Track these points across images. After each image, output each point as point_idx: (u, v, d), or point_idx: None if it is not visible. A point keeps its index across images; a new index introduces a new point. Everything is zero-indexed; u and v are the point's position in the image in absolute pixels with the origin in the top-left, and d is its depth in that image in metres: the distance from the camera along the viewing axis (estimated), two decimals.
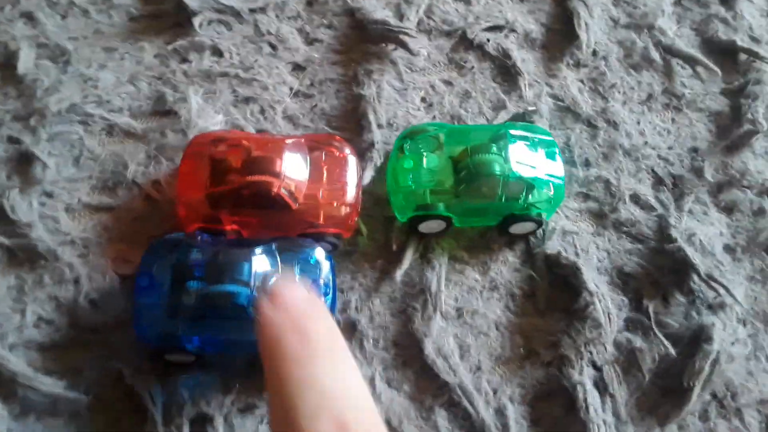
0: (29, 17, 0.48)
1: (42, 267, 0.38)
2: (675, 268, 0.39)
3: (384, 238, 0.41)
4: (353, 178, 0.40)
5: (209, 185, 0.39)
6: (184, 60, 0.47)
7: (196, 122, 0.44)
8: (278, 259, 0.36)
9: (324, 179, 0.40)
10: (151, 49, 0.47)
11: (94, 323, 0.37)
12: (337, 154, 0.41)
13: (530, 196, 0.39)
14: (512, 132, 0.40)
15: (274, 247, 0.36)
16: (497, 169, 0.38)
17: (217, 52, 0.48)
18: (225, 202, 0.38)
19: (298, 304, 0.30)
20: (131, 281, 0.38)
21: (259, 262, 0.35)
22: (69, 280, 0.38)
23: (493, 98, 0.47)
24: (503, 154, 0.39)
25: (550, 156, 0.40)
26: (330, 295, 0.36)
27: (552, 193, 0.39)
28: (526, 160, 0.39)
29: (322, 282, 0.36)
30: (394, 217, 0.40)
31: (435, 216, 0.39)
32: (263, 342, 0.28)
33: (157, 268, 0.35)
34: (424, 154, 0.40)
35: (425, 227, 0.40)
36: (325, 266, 0.36)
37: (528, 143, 0.40)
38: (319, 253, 0.37)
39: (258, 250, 0.35)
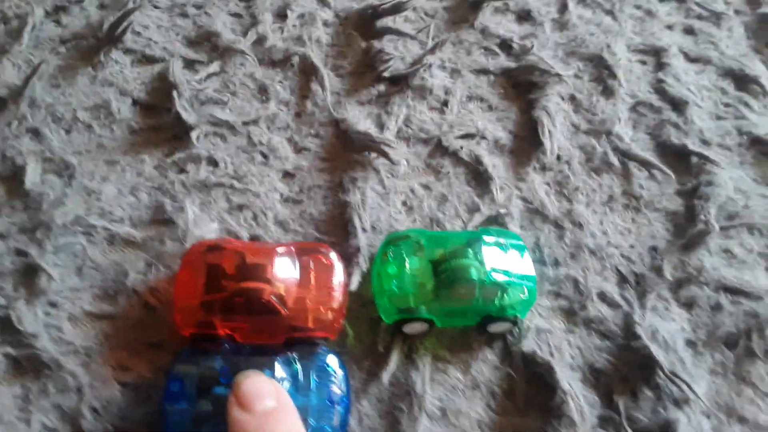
0: (35, 133, 0.51)
1: (46, 376, 0.40)
2: (642, 364, 0.42)
3: (370, 340, 0.43)
4: (340, 283, 0.43)
5: (204, 292, 0.41)
6: (182, 171, 0.50)
7: (193, 231, 0.47)
8: (298, 366, 0.39)
9: (312, 285, 0.43)
10: (151, 161, 0.51)
11: (97, 431, 0.39)
12: (324, 260, 0.44)
13: (505, 298, 0.42)
14: (486, 237, 0.44)
15: (292, 356, 0.39)
16: (474, 273, 0.41)
17: (213, 163, 0.51)
18: (218, 308, 0.41)
19: (265, 405, 0.33)
20: (131, 389, 0.41)
21: (280, 369, 0.38)
22: (72, 389, 0.40)
23: (468, 201, 0.51)
24: (479, 258, 0.42)
25: (522, 259, 0.44)
26: (345, 403, 0.39)
27: (525, 294, 0.43)
28: (500, 264, 0.43)
29: (337, 389, 0.39)
30: (379, 318, 0.43)
31: (418, 318, 0.42)
32: None
33: (185, 376, 0.38)
34: (407, 259, 0.43)
35: (409, 329, 0.43)
36: (340, 373, 0.39)
37: (502, 247, 0.44)
38: (333, 360, 0.40)
39: (278, 358, 0.38)
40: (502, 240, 0.44)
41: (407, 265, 0.43)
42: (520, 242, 0.45)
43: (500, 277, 0.42)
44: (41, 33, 0.57)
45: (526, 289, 0.43)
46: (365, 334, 0.44)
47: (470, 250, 0.43)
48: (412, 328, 0.43)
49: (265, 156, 0.52)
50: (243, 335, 0.42)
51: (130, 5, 0.58)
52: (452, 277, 0.41)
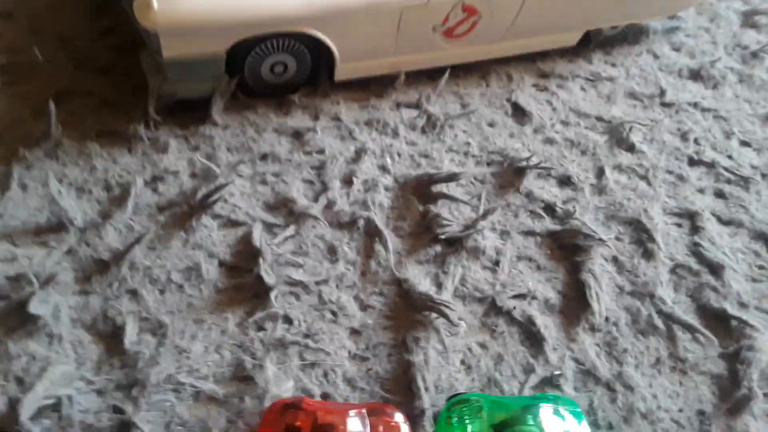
0: (133, 294, 0.57)
1: None
2: None
3: None
4: None
5: None
6: (261, 329, 0.56)
7: (270, 389, 0.51)
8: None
9: None
10: (234, 319, 0.56)
11: None
12: (392, 423, 0.48)
13: None
14: (545, 405, 0.47)
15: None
16: None
17: (288, 321, 0.57)
18: None
19: None
20: None
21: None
22: None
23: (523, 362, 0.55)
24: (538, 425, 0.45)
25: (580, 426, 0.47)
26: None
27: None
28: (558, 430, 0.45)
29: None
30: None
31: None
32: None
33: None
34: (468, 423, 0.47)
35: None
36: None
37: (560, 415, 0.47)
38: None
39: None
40: (559, 407, 0.47)
41: (469, 429, 0.46)
42: (577, 409, 0.48)
43: None
44: (140, 200, 0.65)
45: None
46: None
47: (530, 416, 0.46)
48: None
49: (334, 314, 0.58)
50: None
51: (221, 179, 0.66)
52: None
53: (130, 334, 0.54)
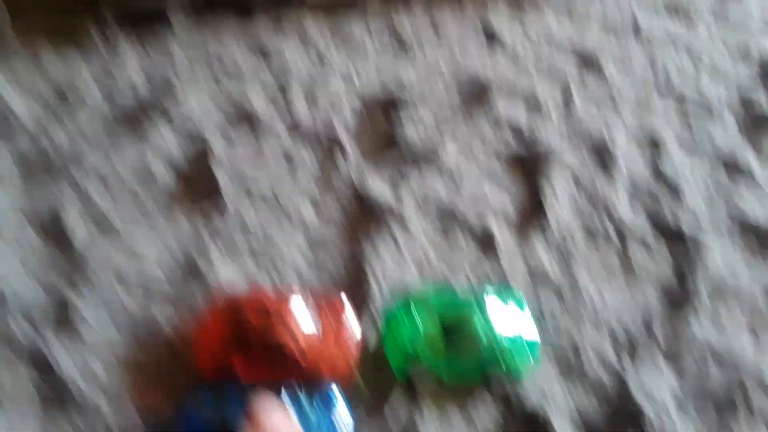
0: (84, 195, 0.57)
1: (78, 412, 0.44)
2: (633, 420, 0.45)
3: (380, 393, 0.46)
4: (354, 337, 0.47)
5: (228, 341, 0.45)
6: (215, 231, 0.55)
7: (220, 283, 0.51)
8: (303, 395, 0.42)
9: (328, 337, 0.46)
10: (187, 221, 0.56)
11: None
12: (341, 315, 0.48)
13: (509, 358, 0.45)
14: (493, 300, 0.47)
15: (299, 388, 0.43)
16: (481, 334, 0.44)
17: (243, 223, 0.56)
18: (241, 356, 0.44)
19: (273, 421, 0.36)
20: (156, 428, 0.44)
21: (286, 396, 0.42)
22: (101, 428, 0.43)
23: (477, 265, 0.55)
24: (486, 320, 0.45)
25: (526, 321, 0.47)
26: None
27: (528, 355, 0.45)
28: (506, 326, 0.46)
29: (340, 417, 0.42)
30: (391, 373, 0.46)
31: (427, 374, 0.45)
32: None
33: (197, 414, 0.41)
34: (418, 318, 0.47)
35: (418, 383, 0.45)
36: (342, 404, 0.43)
37: (507, 310, 0.47)
38: (336, 391, 0.43)
39: (285, 387, 0.42)
40: (507, 303, 0.48)
41: (418, 324, 0.46)
42: (525, 305, 0.48)
43: (505, 338, 0.45)
44: (94, 106, 0.64)
45: (529, 350, 0.45)
46: (374, 382, 0.46)
47: (478, 312, 0.46)
48: (421, 382, 0.45)
49: (290, 218, 0.57)
50: (263, 381, 0.45)
51: (178, 89, 0.65)
52: (460, 337, 0.44)
53: (80, 234, 0.54)
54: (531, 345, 0.46)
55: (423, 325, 0.46)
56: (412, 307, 0.47)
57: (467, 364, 0.45)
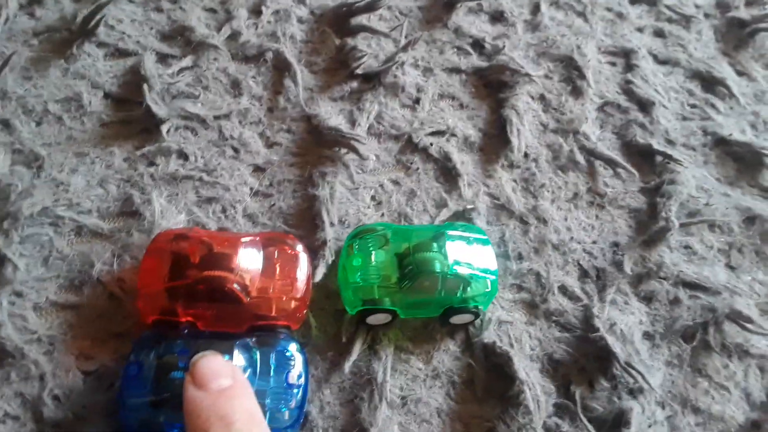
0: (5, 124, 0.51)
1: (9, 364, 0.40)
2: (599, 356, 0.43)
3: (333, 331, 0.44)
4: (304, 274, 0.44)
5: (168, 279, 0.42)
6: (151, 164, 0.51)
7: (160, 222, 0.47)
8: (256, 351, 0.39)
9: (276, 275, 0.43)
10: (121, 153, 0.51)
11: (58, 419, 0.39)
12: (290, 251, 0.44)
13: (468, 290, 0.43)
14: (451, 232, 0.45)
15: (251, 341, 0.39)
16: (437, 266, 0.42)
17: (183, 156, 0.52)
18: (181, 295, 0.41)
19: (220, 383, 0.33)
20: (94, 378, 0.41)
21: (238, 353, 0.39)
22: (35, 377, 0.40)
23: (436, 197, 0.52)
24: (443, 252, 0.43)
25: (485, 252, 0.44)
26: (303, 386, 0.39)
27: (488, 287, 0.43)
28: (464, 258, 0.43)
29: (296, 374, 0.39)
30: (343, 310, 0.44)
31: (381, 310, 0.42)
32: (187, 421, 0.31)
33: (144, 360, 0.38)
34: (372, 251, 0.44)
35: (373, 320, 0.43)
36: (299, 359, 0.40)
37: (465, 241, 0.44)
38: (293, 346, 0.40)
39: (237, 343, 0.38)
40: (465, 234, 0.45)
41: (372, 258, 0.44)
42: (484, 236, 0.46)
43: (463, 270, 0.42)
44: (15, 25, 0.57)
45: (488, 282, 0.43)
46: (329, 325, 0.44)
47: (435, 244, 0.43)
48: (376, 319, 0.43)
49: (236, 150, 0.53)
50: (205, 323, 0.42)
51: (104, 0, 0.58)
52: (416, 270, 0.42)
53: (2, 166, 0.48)
54: (491, 276, 0.43)
55: (376, 258, 0.43)
56: (366, 241, 0.44)
57: (422, 297, 0.42)
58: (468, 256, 0.44)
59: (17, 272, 0.44)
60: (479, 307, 0.43)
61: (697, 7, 0.71)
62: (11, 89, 0.53)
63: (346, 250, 0.44)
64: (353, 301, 0.43)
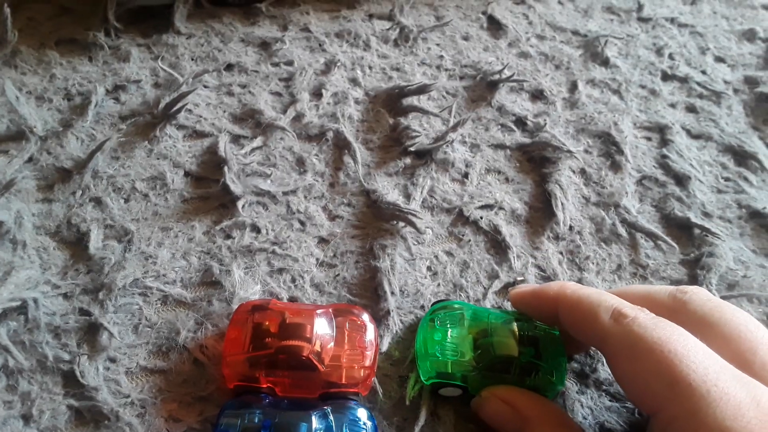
0: (98, 201, 0.57)
1: (105, 427, 0.45)
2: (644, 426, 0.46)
3: (398, 397, 0.47)
4: (371, 343, 0.47)
5: (250, 348, 0.46)
6: (229, 237, 0.56)
7: (238, 292, 0.52)
8: (332, 419, 0.43)
9: (346, 344, 0.47)
10: (201, 227, 0.56)
11: None
12: (358, 321, 0.48)
13: (537, 378, 0.45)
14: (521, 317, 0.48)
15: (327, 409, 0.43)
16: (513, 351, 0.45)
17: (256, 229, 0.56)
18: (262, 363, 0.45)
19: None
20: None
21: (315, 422, 0.42)
22: None
23: (488, 268, 0.56)
24: (516, 338, 0.45)
25: (556, 344, 0.46)
26: None
27: (555, 377, 0.45)
28: (537, 347, 0.45)
29: None
30: (407, 377, 0.47)
31: (453, 384, 0.46)
32: None
33: (230, 427, 0.42)
34: (450, 328, 0.47)
35: (444, 392, 0.46)
36: (369, 425, 0.43)
37: (536, 331, 0.47)
38: (364, 413, 0.44)
39: (314, 412, 0.42)
40: (536, 324, 0.47)
41: (449, 334, 0.47)
42: (556, 332, 0.47)
43: (535, 358, 0.45)
44: (102, 110, 0.64)
45: (555, 373, 0.45)
46: (393, 392, 0.48)
47: (510, 329, 0.46)
48: (447, 391, 0.46)
49: (302, 223, 0.58)
50: (283, 389, 0.46)
51: (184, 87, 0.64)
52: (491, 353, 0.45)
53: (95, 240, 0.54)
54: (560, 366, 0.46)
55: (453, 334, 0.46)
56: (446, 317, 0.48)
57: (495, 377, 0.45)
58: (541, 346, 0.46)
59: (112, 340, 0.48)
60: (553, 393, 0.45)
61: (726, 83, 0.75)
62: (102, 169, 0.59)
63: (428, 323, 0.48)
64: (429, 372, 0.46)
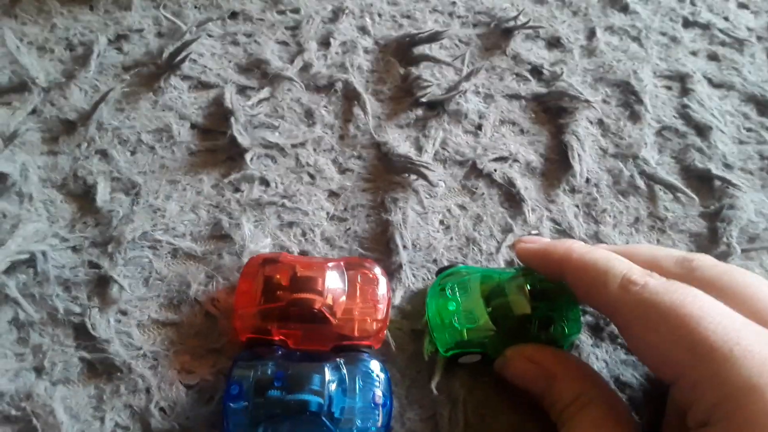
0: (104, 154, 0.56)
1: (118, 378, 0.45)
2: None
3: (411, 350, 0.47)
4: (384, 296, 0.47)
5: (261, 301, 0.45)
6: (237, 190, 0.55)
7: (249, 246, 0.51)
8: (344, 371, 0.42)
9: (358, 297, 0.46)
10: (209, 180, 0.55)
11: (165, 430, 0.43)
12: (370, 275, 0.48)
13: (553, 331, 0.44)
14: (528, 271, 0.46)
15: (340, 362, 0.43)
16: (526, 308, 0.44)
17: (265, 183, 0.55)
18: (274, 316, 0.45)
19: None
20: (195, 391, 0.45)
21: (329, 373, 0.42)
22: (142, 390, 0.44)
23: (502, 222, 0.54)
24: (526, 294, 0.44)
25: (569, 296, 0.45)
26: (387, 405, 0.42)
27: (572, 327, 0.44)
28: (550, 300, 0.45)
29: (380, 392, 0.42)
30: (419, 330, 0.47)
31: (473, 351, 0.45)
32: None
33: (243, 379, 0.42)
34: (461, 295, 0.46)
35: (464, 359, 0.46)
36: (382, 377, 0.43)
37: (547, 284, 0.45)
38: (376, 366, 0.43)
39: (327, 364, 0.42)
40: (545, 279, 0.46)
41: (462, 302, 0.46)
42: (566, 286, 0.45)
43: (549, 311, 0.44)
44: (105, 60, 0.62)
45: (572, 323, 0.44)
46: (406, 345, 0.47)
47: (520, 286, 0.45)
48: (467, 359, 0.45)
49: (312, 176, 0.56)
50: (295, 341, 0.46)
51: (188, 36, 0.62)
52: (507, 314, 0.44)
53: (102, 193, 0.53)
54: (575, 317, 0.45)
55: (466, 301, 0.46)
56: (456, 284, 0.46)
57: (514, 337, 0.44)
58: (553, 298, 0.45)
59: (122, 292, 0.48)
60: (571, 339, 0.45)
61: (749, 29, 0.72)
62: (107, 121, 0.57)
63: (438, 293, 0.47)
64: (448, 343, 0.45)
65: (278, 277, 0.46)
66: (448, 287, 0.47)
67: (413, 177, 0.56)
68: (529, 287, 0.45)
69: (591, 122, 0.62)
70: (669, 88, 0.66)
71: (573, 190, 0.57)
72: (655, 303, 0.35)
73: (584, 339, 0.48)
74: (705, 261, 0.41)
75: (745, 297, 0.37)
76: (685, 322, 0.34)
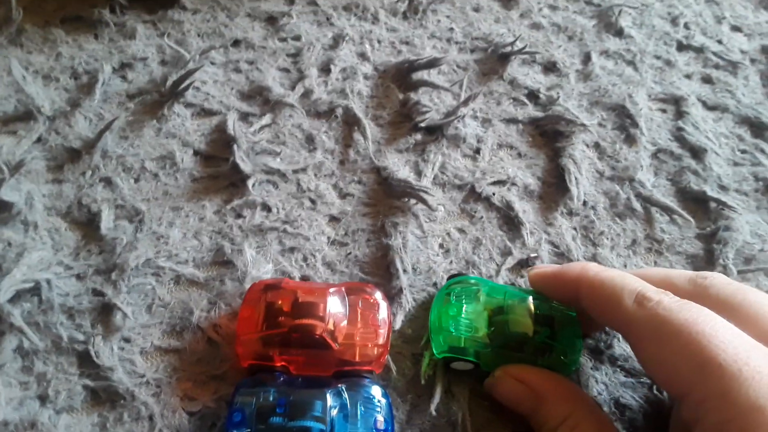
0: (108, 182, 0.56)
1: (121, 406, 0.45)
2: (664, 400, 0.46)
3: (412, 374, 0.47)
4: (385, 321, 0.47)
5: (263, 327, 0.46)
6: (239, 216, 0.55)
7: (250, 271, 0.51)
8: (346, 396, 0.42)
9: (359, 322, 0.47)
10: (211, 207, 0.56)
11: None
12: (371, 300, 0.48)
13: (549, 357, 0.44)
14: (538, 296, 0.47)
15: (341, 387, 0.43)
16: (526, 330, 0.44)
17: (266, 208, 0.56)
18: (276, 342, 0.45)
19: None
20: (197, 418, 0.45)
21: (330, 399, 0.42)
22: (144, 417, 0.44)
23: (501, 245, 0.55)
24: (531, 317, 0.45)
25: (572, 324, 0.46)
26: (389, 431, 0.42)
27: (568, 358, 0.45)
28: (552, 327, 0.45)
29: (381, 418, 0.43)
30: (421, 355, 0.47)
31: (466, 359, 0.46)
32: None
33: (246, 406, 0.42)
34: (465, 303, 0.47)
35: (456, 365, 0.46)
36: (384, 403, 0.43)
37: (553, 312, 0.46)
38: (377, 391, 0.44)
39: (328, 390, 0.42)
40: (553, 304, 0.46)
41: (464, 309, 0.46)
42: (572, 313, 0.46)
43: (550, 338, 0.44)
44: (109, 88, 0.63)
45: (569, 353, 0.44)
46: (407, 369, 0.48)
47: (526, 307, 0.45)
48: (459, 365, 0.46)
49: (313, 201, 0.57)
50: (297, 367, 0.46)
51: (191, 64, 0.63)
52: (505, 330, 0.44)
53: (107, 220, 0.54)
54: (573, 348, 0.45)
55: (468, 310, 0.46)
56: (462, 292, 0.47)
57: (508, 355, 0.45)
58: (557, 327, 0.45)
59: (125, 320, 0.49)
60: (569, 370, 0.45)
61: (742, 52, 0.74)
62: (111, 149, 0.58)
63: (443, 297, 0.47)
64: (442, 346, 0.46)
65: (280, 303, 0.47)
66: (454, 293, 0.47)
67: (413, 201, 0.57)
68: (534, 310, 0.46)
69: (587, 145, 0.63)
70: (664, 111, 0.67)
71: (570, 213, 0.57)
72: (668, 320, 0.36)
73: (584, 361, 0.48)
74: (718, 279, 0.41)
75: (758, 316, 0.38)
76: (697, 339, 0.34)
